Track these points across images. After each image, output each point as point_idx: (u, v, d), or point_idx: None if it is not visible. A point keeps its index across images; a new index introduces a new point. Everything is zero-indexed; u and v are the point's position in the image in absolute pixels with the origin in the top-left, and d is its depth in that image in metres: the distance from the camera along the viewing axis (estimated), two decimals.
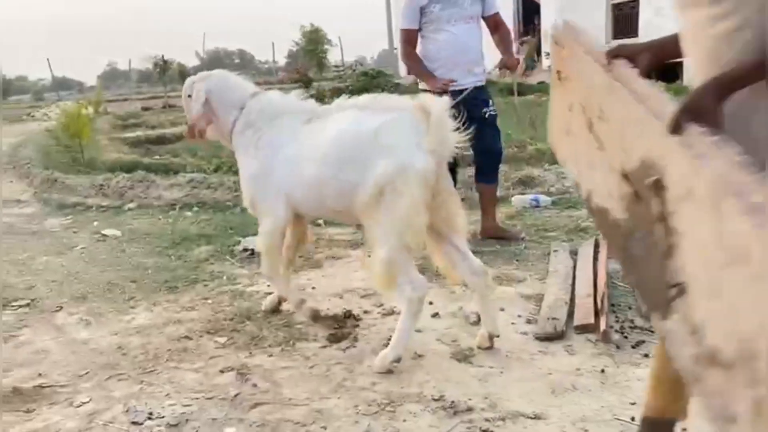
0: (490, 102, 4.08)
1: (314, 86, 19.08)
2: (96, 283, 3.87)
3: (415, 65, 4.01)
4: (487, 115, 3.98)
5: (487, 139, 3.98)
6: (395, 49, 30.97)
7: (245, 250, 4.34)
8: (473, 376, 2.53)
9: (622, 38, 15.62)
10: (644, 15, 15.00)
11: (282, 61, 46.84)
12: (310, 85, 19.61)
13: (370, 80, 13.65)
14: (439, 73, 3.89)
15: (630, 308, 3.03)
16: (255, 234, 4.60)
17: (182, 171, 6.79)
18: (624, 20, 16.06)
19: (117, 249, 4.60)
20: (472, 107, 3.78)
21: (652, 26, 14.51)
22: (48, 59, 29.10)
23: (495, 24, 4.10)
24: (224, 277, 3.89)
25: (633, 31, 15.42)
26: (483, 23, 4.07)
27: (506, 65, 4.03)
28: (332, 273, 3.90)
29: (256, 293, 3.59)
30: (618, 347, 2.66)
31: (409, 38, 4.00)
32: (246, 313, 3.26)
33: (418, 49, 4.03)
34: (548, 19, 17.87)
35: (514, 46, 3.68)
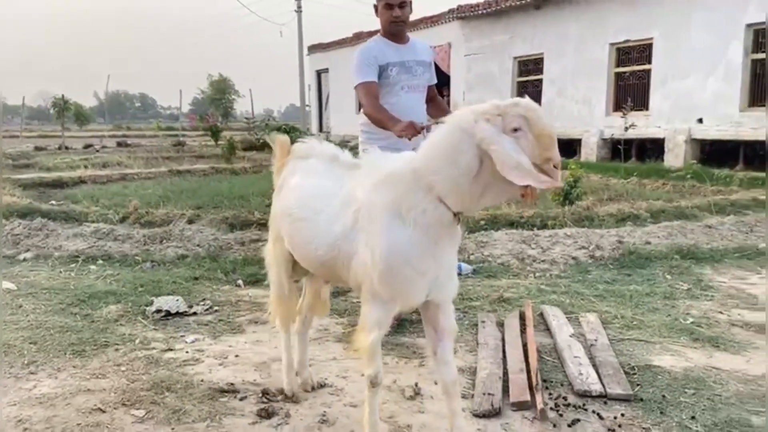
0: None
1: (223, 136, 18.82)
2: None
3: (383, 115, 3.51)
4: None
5: None
6: (307, 105, 31.34)
7: (159, 311, 4.08)
8: None
9: None
10: (547, 94, 15.99)
11: (185, 108, 46.12)
12: (218, 135, 19.33)
13: (283, 134, 13.56)
14: (382, 144, 3.41)
15: (561, 384, 3.07)
16: (169, 293, 4.41)
17: (85, 220, 6.37)
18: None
19: (12, 305, 4.17)
20: None
21: (554, 106, 15.52)
22: None
23: (433, 94, 3.98)
24: (137, 341, 3.61)
25: None
26: None
27: None
28: (257, 339, 3.71)
29: (173, 360, 3.35)
30: (555, 426, 2.67)
31: (372, 90, 3.62)
32: (165, 384, 3.01)
33: (363, 114, 3.75)
34: (458, 91, 18.71)
35: None
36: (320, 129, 27.31)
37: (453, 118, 2.18)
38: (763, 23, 11.93)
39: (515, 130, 2.02)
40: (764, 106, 11.91)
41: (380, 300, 2.28)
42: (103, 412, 2.73)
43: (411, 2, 3.78)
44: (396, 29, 3.76)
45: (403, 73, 3.74)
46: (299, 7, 33.80)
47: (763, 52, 12.13)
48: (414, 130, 3.14)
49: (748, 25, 12.08)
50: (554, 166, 2.01)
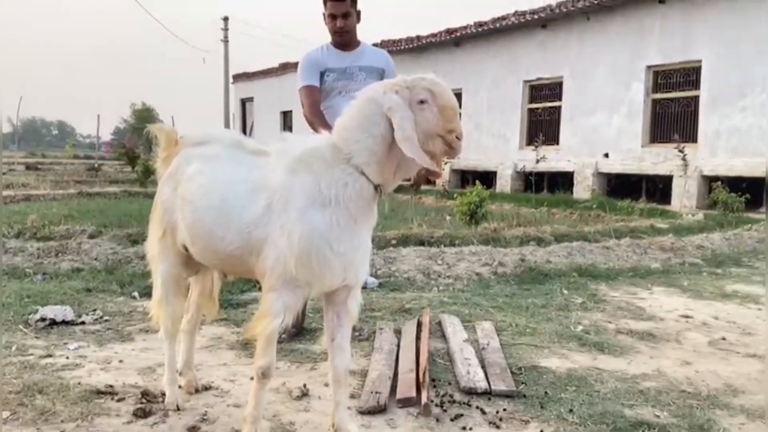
0: None
1: (140, 161, 18.28)
2: None
3: (316, 119, 3.59)
4: None
5: None
6: None
7: (43, 319, 3.87)
8: None
9: None
10: (465, 127, 16.48)
11: (107, 137, 44.72)
12: (135, 162, 18.77)
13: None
14: None
15: (449, 383, 3.10)
16: (57, 303, 4.20)
17: None
18: None
19: None
20: None
21: (471, 139, 15.99)
22: None
23: None
24: (13, 348, 3.41)
25: None
26: None
27: None
28: (145, 346, 3.58)
29: (51, 365, 3.18)
30: (438, 420, 2.68)
31: (312, 94, 3.74)
32: (37, 386, 2.84)
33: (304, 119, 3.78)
34: None
35: None
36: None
37: (364, 91, 2.30)
38: (662, 66, 12.81)
39: (421, 102, 2.16)
40: (663, 142, 12.71)
41: (292, 285, 2.23)
42: None
43: (359, 12, 3.81)
44: (339, 39, 3.82)
45: (342, 79, 3.78)
46: (226, 37, 33.69)
47: (662, 92, 12.99)
48: None
49: (648, 67, 12.93)
50: (456, 137, 2.16)
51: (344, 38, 3.82)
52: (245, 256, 2.35)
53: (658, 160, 12.56)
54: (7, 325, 3.81)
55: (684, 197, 11.64)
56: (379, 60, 3.92)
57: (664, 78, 12.94)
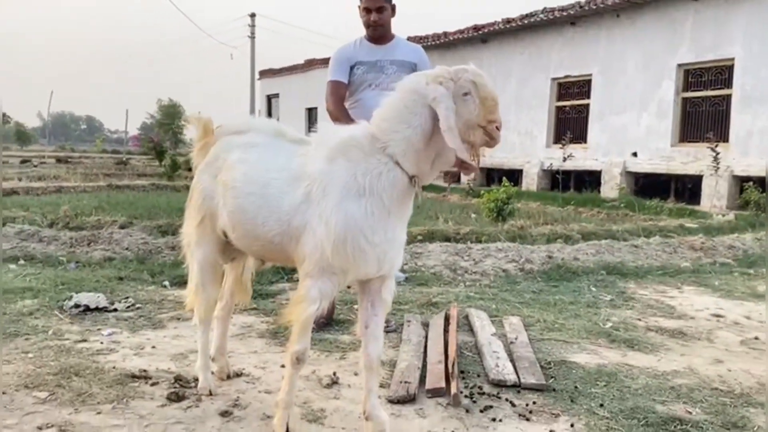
0: None
1: (167, 156, 18.48)
2: None
3: (340, 114, 3.66)
4: None
5: None
6: None
7: (77, 306, 3.95)
8: None
9: None
10: None
11: (133, 132, 45.27)
12: (163, 156, 19.00)
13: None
14: None
15: (478, 375, 3.10)
16: (90, 290, 4.28)
17: (11, 223, 6.14)
18: None
19: None
20: None
21: None
22: None
23: None
24: (50, 332, 3.49)
25: None
26: None
27: None
28: (177, 334, 3.64)
29: (86, 349, 3.25)
30: (467, 411, 2.69)
31: (338, 90, 3.80)
32: (74, 369, 2.91)
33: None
34: None
35: None
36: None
37: (406, 82, 2.30)
38: (693, 64, 12.60)
39: (465, 94, 2.17)
40: (693, 142, 12.52)
41: (329, 273, 2.25)
42: (3, 393, 2.61)
43: (393, 6, 3.83)
44: (373, 33, 3.83)
45: (372, 72, 3.79)
46: (252, 33, 33.92)
47: (693, 90, 12.79)
48: None
49: (679, 65, 12.74)
50: (497, 128, 2.17)
51: (378, 32, 3.82)
52: (285, 243, 2.38)
53: (688, 159, 12.37)
54: (43, 310, 3.89)
55: (714, 197, 11.45)
56: (412, 55, 3.92)
57: (695, 76, 12.73)
